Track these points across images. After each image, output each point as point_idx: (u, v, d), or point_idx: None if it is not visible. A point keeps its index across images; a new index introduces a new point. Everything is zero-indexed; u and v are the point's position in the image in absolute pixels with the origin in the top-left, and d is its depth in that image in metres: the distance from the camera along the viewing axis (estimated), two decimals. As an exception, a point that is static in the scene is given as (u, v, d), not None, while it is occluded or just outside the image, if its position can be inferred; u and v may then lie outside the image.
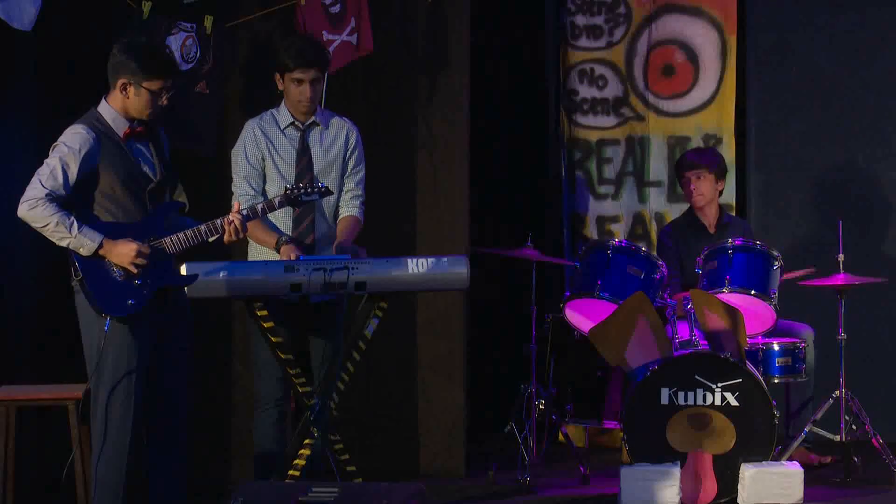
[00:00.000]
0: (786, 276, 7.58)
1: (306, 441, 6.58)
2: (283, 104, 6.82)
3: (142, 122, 6.07)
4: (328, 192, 6.48)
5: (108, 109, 6.05)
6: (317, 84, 6.74)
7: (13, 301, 7.27)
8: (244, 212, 6.25)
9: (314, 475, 6.61)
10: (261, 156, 6.76)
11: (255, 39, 7.66)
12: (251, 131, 6.79)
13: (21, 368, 7.14)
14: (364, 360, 6.79)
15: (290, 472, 6.55)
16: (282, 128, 6.79)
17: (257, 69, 7.61)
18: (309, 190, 6.36)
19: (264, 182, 6.77)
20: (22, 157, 7.15)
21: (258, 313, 6.52)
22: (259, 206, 6.34)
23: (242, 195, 6.73)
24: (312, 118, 6.80)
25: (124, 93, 6.01)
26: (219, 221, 6.17)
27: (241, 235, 6.25)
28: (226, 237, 6.21)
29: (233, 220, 6.16)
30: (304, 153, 6.78)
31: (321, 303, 6.71)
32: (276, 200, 6.35)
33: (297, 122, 6.79)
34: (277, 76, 6.76)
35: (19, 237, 7.13)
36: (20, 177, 6.75)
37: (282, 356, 6.57)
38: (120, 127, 6.04)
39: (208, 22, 7.39)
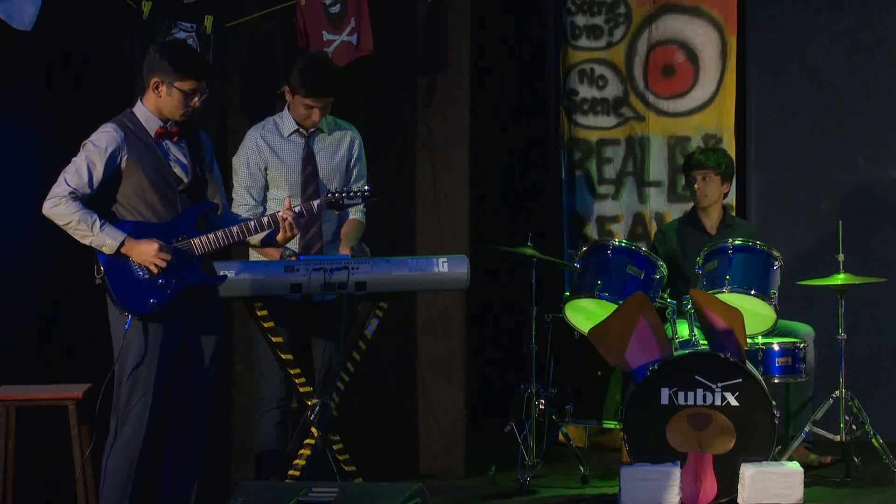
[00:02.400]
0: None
1: (306, 441, 6.58)
2: (286, 111, 6.81)
3: (176, 123, 6.08)
4: (371, 197, 6.38)
5: (142, 109, 6.07)
6: (326, 108, 6.73)
7: (14, 301, 7.27)
8: (297, 209, 6.22)
9: (314, 475, 6.61)
10: (263, 165, 6.76)
11: (255, 39, 7.66)
12: (253, 141, 6.79)
13: (21, 368, 7.14)
14: (364, 360, 6.79)
15: (290, 472, 6.55)
16: (285, 135, 6.79)
17: (257, 70, 7.62)
18: (352, 194, 6.31)
19: (266, 190, 6.77)
20: (21, 158, 7.16)
21: (258, 313, 6.52)
22: (315, 203, 6.23)
23: (242, 204, 6.73)
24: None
25: (157, 92, 6.02)
26: (253, 223, 6.14)
27: (296, 232, 6.21)
28: (280, 234, 6.18)
29: (286, 217, 6.15)
30: (309, 160, 6.78)
31: (323, 302, 6.72)
32: (316, 204, 6.29)
33: (301, 130, 6.79)
34: (287, 89, 6.73)
35: (20, 238, 7.14)
36: (20, 177, 6.76)
37: (282, 356, 6.58)
38: (152, 127, 6.05)
39: (208, 22, 7.39)
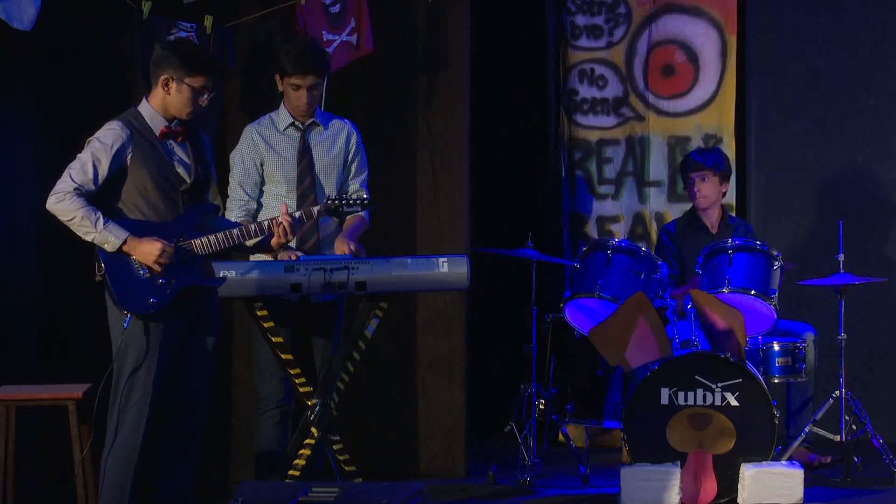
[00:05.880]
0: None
1: (306, 441, 6.58)
2: (282, 106, 6.83)
3: (180, 123, 6.08)
4: (370, 205, 6.42)
5: (147, 108, 6.08)
6: (315, 90, 6.74)
7: (14, 301, 7.27)
8: (296, 215, 6.24)
9: (314, 475, 6.61)
10: (259, 160, 6.76)
11: (255, 40, 7.66)
12: (249, 136, 6.80)
13: (21, 368, 7.14)
14: (364, 360, 6.79)
15: (290, 472, 6.55)
16: (281, 129, 6.80)
17: (257, 69, 7.62)
18: (351, 201, 6.33)
19: (262, 186, 6.78)
20: (22, 157, 7.16)
21: (258, 313, 6.52)
22: (315, 209, 6.27)
23: (236, 200, 6.75)
24: (312, 119, 6.82)
25: (166, 89, 6.03)
26: (252, 226, 6.16)
27: (290, 238, 6.23)
28: (274, 240, 6.20)
29: (282, 222, 6.17)
30: (304, 153, 6.79)
31: (323, 303, 6.72)
32: (316, 210, 6.31)
33: (296, 123, 6.80)
34: (277, 77, 6.77)
35: (20, 237, 7.14)
36: (20, 177, 6.76)
37: (282, 356, 6.58)
38: (157, 126, 6.06)
39: (208, 22, 7.39)
